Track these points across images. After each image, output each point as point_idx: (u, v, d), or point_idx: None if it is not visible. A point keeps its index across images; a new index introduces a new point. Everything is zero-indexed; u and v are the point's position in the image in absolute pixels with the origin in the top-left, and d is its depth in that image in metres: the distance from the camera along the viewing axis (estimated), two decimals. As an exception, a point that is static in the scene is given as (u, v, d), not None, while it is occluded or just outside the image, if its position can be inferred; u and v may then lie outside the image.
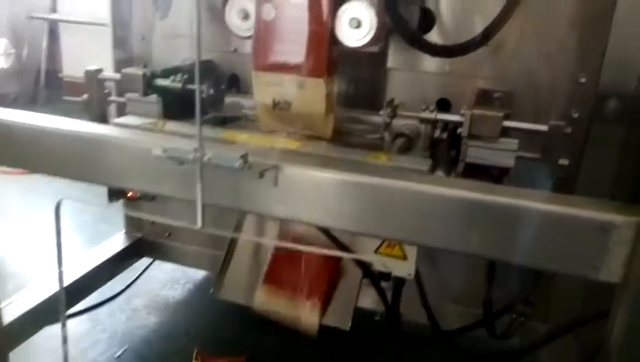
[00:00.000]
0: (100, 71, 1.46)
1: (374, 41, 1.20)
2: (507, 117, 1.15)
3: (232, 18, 1.29)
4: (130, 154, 1.04)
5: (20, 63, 5.28)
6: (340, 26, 1.19)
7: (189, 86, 1.37)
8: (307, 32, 1.17)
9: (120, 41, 1.72)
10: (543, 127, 1.13)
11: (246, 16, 1.28)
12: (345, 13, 1.19)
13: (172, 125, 1.22)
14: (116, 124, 1.23)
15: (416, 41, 1.24)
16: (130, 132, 1.10)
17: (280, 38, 1.19)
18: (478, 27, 1.37)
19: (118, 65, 1.71)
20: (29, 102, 5.32)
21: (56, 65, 5.45)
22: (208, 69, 1.60)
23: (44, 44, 5.41)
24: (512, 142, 1.17)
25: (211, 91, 1.36)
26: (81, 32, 4.87)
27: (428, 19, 1.43)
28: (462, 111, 1.15)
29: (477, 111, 1.14)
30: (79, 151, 1.10)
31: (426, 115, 1.19)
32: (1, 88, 4.90)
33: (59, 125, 1.11)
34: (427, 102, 1.45)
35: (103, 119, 1.50)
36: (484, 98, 1.36)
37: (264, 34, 1.21)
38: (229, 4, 1.27)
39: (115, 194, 1.52)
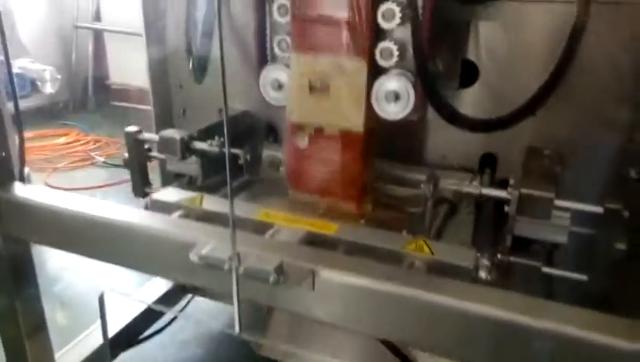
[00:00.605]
0: (139, 132, 1.47)
1: (413, 112, 1.15)
2: (557, 177, 1.07)
3: (267, 88, 1.26)
4: (168, 247, 1.04)
5: (69, 72, 5.45)
6: (377, 100, 1.15)
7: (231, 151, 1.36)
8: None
9: (159, 96, 1.72)
10: (598, 209, 1.05)
11: (280, 87, 1.24)
12: (381, 85, 1.14)
13: (210, 202, 1.21)
14: (154, 202, 1.23)
15: (455, 118, 1.18)
16: (167, 222, 1.09)
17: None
18: (525, 81, 1.30)
19: (158, 120, 1.73)
20: (80, 108, 5.50)
21: (102, 72, 5.61)
22: (245, 122, 1.58)
23: (90, 52, 5.54)
24: (564, 217, 1.10)
25: (248, 157, 1.34)
26: (125, 39, 4.97)
27: (471, 71, 1.36)
28: (509, 190, 1.09)
29: (525, 191, 1.07)
30: (117, 238, 1.11)
31: (471, 188, 1.13)
32: (54, 97, 5.06)
33: (102, 213, 1.12)
34: (471, 155, 1.41)
35: (143, 177, 1.52)
36: (533, 157, 1.28)
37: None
38: (262, 75, 1.25)
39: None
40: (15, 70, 3.92)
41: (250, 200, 1.32)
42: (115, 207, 1.13)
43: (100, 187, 3.59)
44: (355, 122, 1.14)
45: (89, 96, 5.55)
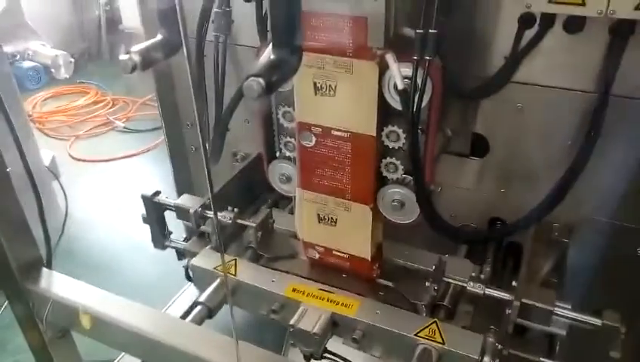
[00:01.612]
0: (156, 194, 1.52)
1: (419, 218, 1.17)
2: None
3: (275, 180, 1.27)
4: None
5: (81, 21, 5.34)
6: (384, 205, 1.16)
7: (240, 221, 1.41)
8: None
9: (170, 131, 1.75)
10: (597, 321, 1.09)
11: (288, 180, 1.26)
12: (386, 195, 1.15)
13: (244, 270, 1.29)
14: (194, 268, 1.31)
15: (452, 235, 1.19)
16: (193, 341, 1.16)
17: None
18: (536, 155, 1.29)
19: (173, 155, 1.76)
20: (96, 57, 5.45)
21: (115, 18, 5.47)
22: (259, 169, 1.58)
23: (102, -1, 5.37)
24: (566, 308, 1.14)
25: (259, 234, 1.38)
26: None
27: (482, 144, 1.34)
28: (510, 298, 1.12)
29: (527, 301, 1.11)
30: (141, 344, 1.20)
31: (475, 289, 1.17)
32: (67, 48, 5.02)
33: (128, 318, 1.20)
34: (479, 218, 1.42)
35: (162, 230, 1.59)
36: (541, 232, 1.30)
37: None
38: (270, 169, 1.26)
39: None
40: (27, 63, 3.86)
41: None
42: (138, 310, 1.22)
43: (123, 158, 3.67)
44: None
45: (103, 44, 5.47)
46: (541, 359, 1.21)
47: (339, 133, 1.11)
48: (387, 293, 1.30)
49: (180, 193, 1.87)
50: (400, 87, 0.92)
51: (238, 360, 0.96)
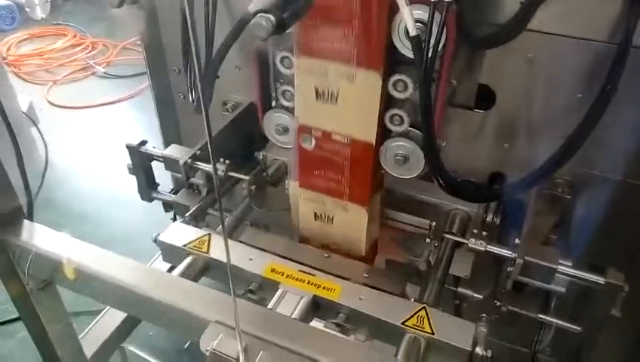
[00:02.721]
0: (142, 144, 1.44)
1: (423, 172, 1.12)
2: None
3: (272, 132, 1.20)
4: (176, 317, 1.08)
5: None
6: (386, 160, 1.11)
7: (232, 174, 1.35)
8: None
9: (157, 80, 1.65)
10: (600, 280, 1.07)
11: (285, 131, 1.19)
12: (389, 148, 1.09)
13: (217, 247, 1.23)
14: (163, 245, 1.25)
15: (458, 191, 1.14)
16: (175, 293, 1.11)
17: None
18: (543, 109, 1.24)
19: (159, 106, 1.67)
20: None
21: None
22: (252, 116, 1.50)
23: None
24: (567, 265, 1.13)
25: (253, 188, 1.32)
26: None
27: (488, 96, 1.28)
28: (513, 255, 1.10)
29: (530, 259, 1.08)
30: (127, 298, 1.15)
31: (476, 246, 1.14)
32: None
33: (111, 271, 1.15)
34: (479, 173, 1.38)
35: (149, 181, 1.52)
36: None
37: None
38: (265, 120, 1.18)
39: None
40: (1, 1, 3.63)
41: (256, 237, 1.32)
42: (123, 264, 1.16)
43: (104, 105, 3.54)
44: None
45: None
46: (539, 315, 1.21)
47: (339, 138, 1.10)
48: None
49: (167, 143, 1.80)
50: (412, 33, 0.85)
51: (236, 315, 0.92)
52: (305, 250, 1.28)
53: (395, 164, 1.10)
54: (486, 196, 1.24)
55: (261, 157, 1.46)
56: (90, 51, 4.18)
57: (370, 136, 1.07)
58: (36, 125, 2.98)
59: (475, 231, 1.17)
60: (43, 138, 2.99)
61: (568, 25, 1.12)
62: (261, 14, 0.57)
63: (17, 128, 1.44)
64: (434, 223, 1.21)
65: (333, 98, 1.03)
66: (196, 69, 0.92)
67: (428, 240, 1.17)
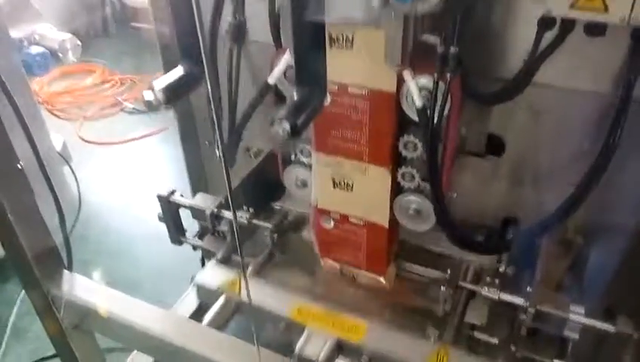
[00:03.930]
0: (172, 193, 1.53)
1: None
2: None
3: (291, 187, 1.28)
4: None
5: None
6: (400, 213, 1.16)
7: (256, 222, 1.42)
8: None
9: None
10: (610, 328, 1.10)
11: (303, 185, 1.26)
12: (402, 203, 1.15)
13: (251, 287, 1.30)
14: (199, 287, 1.33)
15: (466, 244, 1.20)
16: (203, 344, 1.18)
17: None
18: (551, 157, 1.28)
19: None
20: (102, 34, 5.38)
21: (119, -11, 5.38)
22: (272, 167, 1.58)
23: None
24: (579, 311, 1.16)
25: (276, 236, 1.39)
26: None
27: (497, 144, 1.33)
28: (525, 303, 1.14)
29: (542, 308, 1.12)
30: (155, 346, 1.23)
31: (489, 294, 1.18)
32: (71, 24, 4.97)
33: (142, 320, 1.23)
34: (492, 218, 1.42)
35: (178, 228, 1.61)
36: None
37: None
38: (286, 172, 1.26)
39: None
40: (35, 49, 3.78)
41: (281, 277, 1.39)
42: (151, 312, 1.24)
43: (133, 140, 3.67)
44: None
45: (109, 20, 5.40)
46: (554, 361, 1.24)
47: (355, 221, 1.24)
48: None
49: (193, 186, 1.89)
50: (418, 105, 0.91)
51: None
52: (331, 284, 1.35)
53: (409, 218, 1.16)
54: (494, 249, 1.28)
55: (280, 208, 1.54)
56: (118, 87, 4.35)
57: (384, 220, 1.18)
58: (69, 164, 3.11)
59: (489, 278, 1.21)
60: (75, 176, 3.12)
61: (572, 78, 1.17)
62: (278, 123, 0.64)
63: (51, 168, 1.53)
64: (449, 272, 1.25)
65: (349, 187, 1.13)
66: (218, 139, 1.00)
67: (443, 288, 1.21)
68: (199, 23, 0.57)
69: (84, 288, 1.37)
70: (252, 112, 1.15)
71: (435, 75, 0.91)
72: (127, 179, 3.27)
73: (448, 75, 0.91)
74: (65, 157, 3.09)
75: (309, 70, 0.69)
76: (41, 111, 3.21)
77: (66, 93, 4.30)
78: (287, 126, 0.64)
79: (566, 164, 1.25)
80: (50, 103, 4.16)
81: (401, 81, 0.98)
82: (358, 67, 0.99)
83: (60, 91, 4.33)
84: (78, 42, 3.93)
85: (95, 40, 5.21)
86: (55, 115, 4.06)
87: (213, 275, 1.36)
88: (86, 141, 3.71)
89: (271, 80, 0.98)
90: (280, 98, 1.18)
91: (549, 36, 1.12)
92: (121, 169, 3.41)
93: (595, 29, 1.07)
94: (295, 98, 0.68)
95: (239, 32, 1.09)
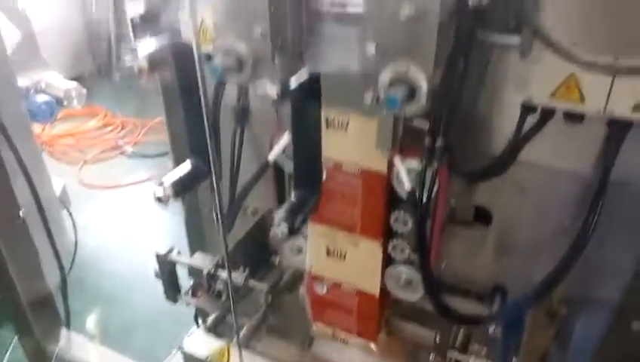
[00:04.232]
0: (169, 252, 1.57)
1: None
2: None
3: (286, 251, 1.33)
4: None
5: (91, 38, 5.43)
6: (391, 284, 1.21)
7: (252, 284, 1.46)
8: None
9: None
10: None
11: (299, 251, 1.31)
12: (393, 274, 1.20)
13: (237, 358, 1.33)
14: (187, 356, 1.35)
15: (452, 317, 1.25)
16: None
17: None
18: (537, 231, 1.34)
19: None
20: (105, 76, 5.52)
21: (125, 35, 5.54)
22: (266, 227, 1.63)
23: (111, 14, 5.45)
24: None
25: (270, 298, 1.43)
26: None
27: (484, 215, 1.39)
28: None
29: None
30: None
31: (476, 363, 1.22)
32: (77, 67, 5.10)
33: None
34: (480, 285, 1.47)
35: (174, 286, 1.64)
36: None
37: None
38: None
39: None
40: (41, 97, 3.89)
41: (273, 346, 1.42)
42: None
43: (133, 184, 3.74)
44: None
45: (113, 63, 5.54)
46: None
47: (347, 288, 1.30)
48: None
49: (191, 244, 1.93)
50: (407, 188, 0.98)
51: None
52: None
53: (399, 288, 1.21)
54: (478, 321, 1.32)
55: (278, 262, 1.58)
56: (120, 131, 4.44)
57: (375, 289, 1.23)
58: (68, 209, 3.15)
59: (477, 345, 1.25)
60: (73, 221, 3.16)
61: (553, 158, 1.24)
62: (277, 225, 0.70)
63: (50, 213, 1.57)
64: (438, 338, 1.29)
65: (342, 256, 1.18)
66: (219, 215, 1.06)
67: (432, 356, 1.25)
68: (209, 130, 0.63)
69: (78, 346, 1.40)
70: (252, 186, 1.21)
71: (423, 162, 0.98)
72: (124, 224, 3.31)
73: (435, 163, 0.97)
74: (64, 202, 3.14)
75: (307, 178, 0.76)
76: (43, 154, 3.28)
77: (67, 136, 4.39)
78: (285, 228, 0.70)
79: (550, 238, 1.30)
80: (52, 145, 4.24)
81: (391, 162, 1.05)
82: (351, 148, 1.06)
83: (61, 134, 4.42)
84: (84, 90, 4.04)
85: (99, 82, 5.35)
86: (56, 158, 4.13)
87: (202, 344, 1.38)
88: (85, 185, 3.77)
89: (271, 157, 1.05)
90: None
91: (532, 119, 1.20)
92: (119, 213, 3.46)
93: (574, 117, 1.14)
94: (293, 199, 0.74)
95: (243, 115, 1.17)
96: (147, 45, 1.03)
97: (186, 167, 0.94)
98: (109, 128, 4.47)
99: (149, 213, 3.36)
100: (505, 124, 1.23)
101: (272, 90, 0.71)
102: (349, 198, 1.13)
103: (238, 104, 1.14)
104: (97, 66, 5.50)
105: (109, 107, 4.79)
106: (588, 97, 1.05)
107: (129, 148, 4.18)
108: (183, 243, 1.62)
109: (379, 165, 1.07)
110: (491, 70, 1.18)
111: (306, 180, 0.73)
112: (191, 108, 0.91)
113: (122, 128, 4.49)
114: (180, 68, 1.00)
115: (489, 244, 1.42)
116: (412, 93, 0.78)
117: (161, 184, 0.95)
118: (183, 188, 0.95)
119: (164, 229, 3.00)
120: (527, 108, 1.18)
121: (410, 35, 0.76)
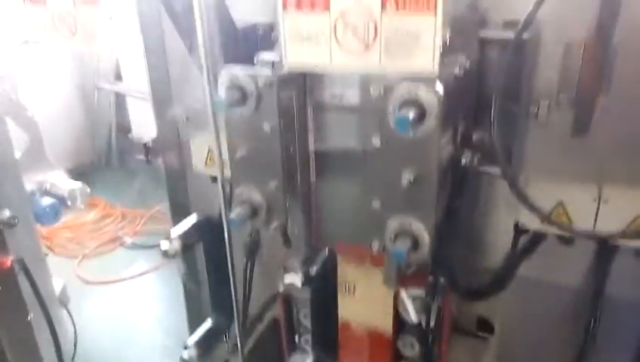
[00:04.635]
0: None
1: None
2: None
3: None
4: None
5: (92, 129, 5.59)
6: None
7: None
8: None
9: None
10: None
11: None
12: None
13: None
14: None
15: None
16: None
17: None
18: (539, 341, 1.37)
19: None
20: (105, 164, 5.63)
21: (125, 126, 5.70)
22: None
23: (112, 109, 5.63)
24: None
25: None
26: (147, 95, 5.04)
27: (486, 325, 1.43)
28: None
29: None
30: None
31: None
32: (77, 158, 5.22)
33: None
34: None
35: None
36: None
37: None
38: (292, 359, 1.34)
39: None
40: (46, 200, 4.02)
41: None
42: None
43: (132, 278, 3.73)
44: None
45: (113, 152, 5.67)
46: None
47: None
48: None
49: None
50: (414, 320, 1.03)
51: None
52: None
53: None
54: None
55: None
56: (119, 222, 4.48)
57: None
58: (67, 309, 3.13)
59: None
60: (73, 321, 3.13)
61: (548, 273, 1.30)
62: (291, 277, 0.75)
63: (51, 313, 1.57)
64: None
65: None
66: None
67: None
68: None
69: None
70: (263, 316, 1.26)
71: (426, 294, 1.04)
72: (123, 320, 3.28)
73: (437, 297, 1.03)
74: (64, 302, 3.12)
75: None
76: (45, 259, 3.30)
77: (66, 229, 4.41)
78: (298, 282, 0.74)
79: (552, 348, 1.34)
80: (51, 239, 4.26)
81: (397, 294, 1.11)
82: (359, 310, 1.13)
83: (60, 227, 4.44)
84: (87, 189, 4.12)
85: (98, 171, 5.44)
86: (55, 252, 4.13)
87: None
88: (84, 280, 3.76)
89: (281, 288, 1.10)
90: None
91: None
92: (118, 309, 3.44)
93: (566, 240, 1.22)
94: None
95: (255, 248, 1.23)
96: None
97: (191, 219, 1.00)
98: (109, 220, 4.51)
99: (146, 308, 3.35)
100: (501, 243, 1.30)
101: (296, 279, 0.78)
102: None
103: (249, 237, 1.21)
104: (97, 156, 5.63)
105: (109, 198, 4.85)
106: (576, 222, 1.13)
107: (129, 240, 4.20)
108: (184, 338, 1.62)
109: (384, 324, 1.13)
110: (484, 195, 1.27)
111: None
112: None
113: (122, 219, 4.52)
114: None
115: (492, 354, 1.45)
116: (415, 244, 0.86)
117: (167, 237, 1.02)
118: (189, 242, 1.01)
119: (163, 325, 2.99)
120: (520, 230, 1.26)
121: (411, 196, 0.84)
